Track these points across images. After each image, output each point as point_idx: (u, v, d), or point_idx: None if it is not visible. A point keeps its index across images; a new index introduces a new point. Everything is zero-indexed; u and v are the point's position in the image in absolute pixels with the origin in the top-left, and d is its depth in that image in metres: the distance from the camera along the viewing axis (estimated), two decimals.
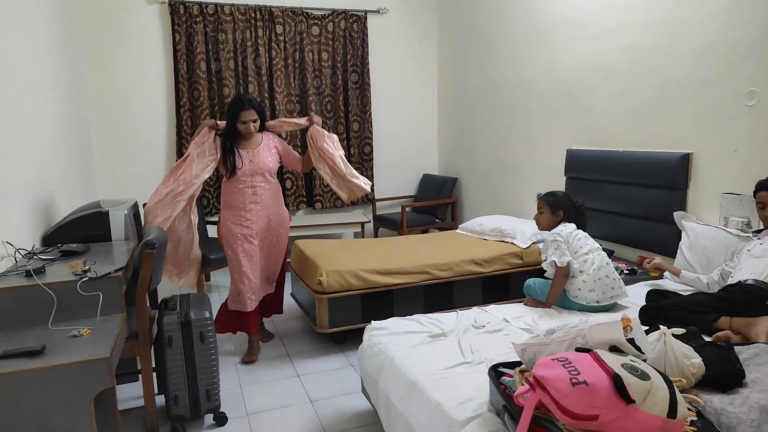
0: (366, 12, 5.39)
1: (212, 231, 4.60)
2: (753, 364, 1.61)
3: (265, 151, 3.07)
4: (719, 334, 2.10)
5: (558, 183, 4.03)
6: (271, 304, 3.38)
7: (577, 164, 3.84)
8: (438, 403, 1.76)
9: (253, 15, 4.96)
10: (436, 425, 1.73)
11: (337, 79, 5.39)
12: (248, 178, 3.01)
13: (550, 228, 2.76)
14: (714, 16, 2.87)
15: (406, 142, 5.82)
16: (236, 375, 2.96)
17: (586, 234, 2.75)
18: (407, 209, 5.17)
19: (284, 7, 5.06)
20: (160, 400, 2.42)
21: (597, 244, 2.73)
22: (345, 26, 5.34)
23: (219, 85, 4.96)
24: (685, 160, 3.04)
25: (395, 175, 5.82)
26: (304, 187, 5.40)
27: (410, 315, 2.61)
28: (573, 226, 2.74)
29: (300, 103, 5.31)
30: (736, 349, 1.70)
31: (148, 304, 2.23)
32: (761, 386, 1.47)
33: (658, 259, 2.86)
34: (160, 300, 2.56)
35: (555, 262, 2.61)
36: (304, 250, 3.59)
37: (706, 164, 2.97)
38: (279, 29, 5.07)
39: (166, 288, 4.29)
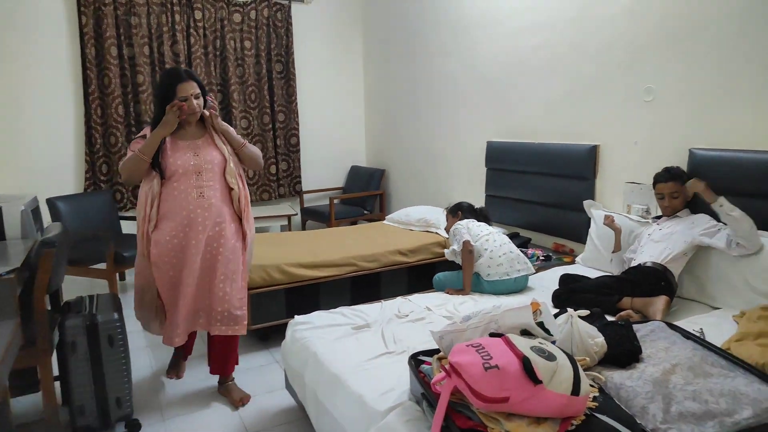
0: (290, 1, 5.27)
1: (126, 227, 4.34)
2: (648, 340, 1.74)
3: (210, 142, 2.40)
4: (622, 313, 2.26)
5: (480, 174, 4.15)
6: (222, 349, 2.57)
7: (497, 156, 3.98)
8: (360, 395, 1.76)
9: (169, 0, 4.71)
10: (358, 417, 1.74)
11: (261, 69, 5.24)
12: (192, 177, 2.32)
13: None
14: (616, 17, 3.05)
15: (334, 133, 5.78)
16: (151, 378, 2.82)
17: (485, 224, 3.03)
18: (335, 201, 5.14)
19: None
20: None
21: (496, 229, 3.02)
22: (268, 14, 5.20)
23: (132, 72, 4.68)
24: (593, 152, 3.23)
25: (323, 167, 5.76)
26: None
27: (336, 308, 2.60)
28: (473, 219, 3.01)
29: (222, 92, 5.12)
30: (635, 327, 1.83)
31: (50, 308, 2.07)
32: (655, 360, 1.60)
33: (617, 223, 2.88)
34: (63, 302, 2.38)
35: (455, 248, 2.87)
36: None
37: (611, 155, 3.17)
38: (198, 15, 4.86)
39: (73, 289, 4.02)
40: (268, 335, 3.26)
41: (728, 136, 2.57)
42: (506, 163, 3.88)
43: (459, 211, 3.12)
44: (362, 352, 2.04)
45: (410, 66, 4.99)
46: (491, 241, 2.85)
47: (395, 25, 5.16)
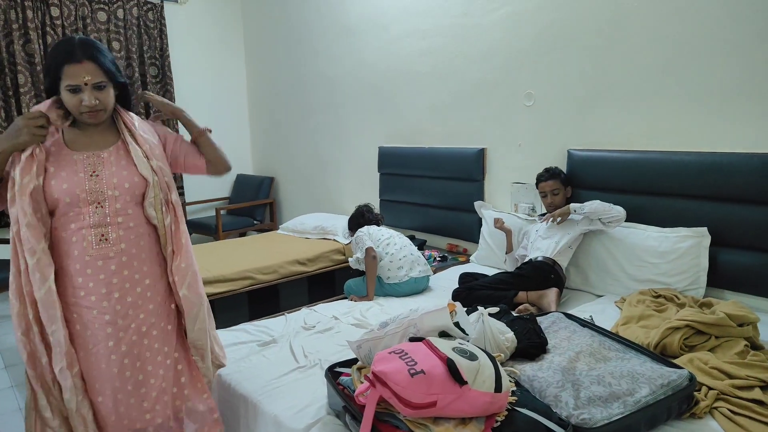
0: (162, 1, 4.91)
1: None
2: (551, 331, 1.84)
3: (123, 154, 1.61)
4: (520, 307, 2.38)
5: (373, 179, 4.18)
6: None
7: (389, 161, 4.03)
8: (274, 415, 1.66)
9: None
10: None
11: (133, 72, 4.81)
12: (87, 209, 1.54)
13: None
14: (495, 25, 3.23)
15: (217, 140, 5.43)
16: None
17: (386, 227, 3.08)
18: (222, 212, 4.86)
19: None
20: None
21: (396, 232, 3.04)
22: (138, 14, 4.79)
23: None
24: (481, 155, 3.39)
25: (207, 177, 5.41)
26: None
27: (235, 325, 2.44)
28: (373, 225, 3.06)
29: None
30: (538, 319, 1.93)
31: None
32: (560, 350, 1.69)
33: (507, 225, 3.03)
34: None
35: (358, 257, 2.87)
36: None
37: (498, 157, 3.36)
38: (55, 12, 4.33)
39: None
40: None
41: (600, 137, 2.83)
42: (398, 168, 3.94)
43: (355, 225, 3.11)
44: (271, 370, 1.93)
45: (295, 69, 4.89)
46: (392, 245, 2.88)
47: (278, 27, 5.02)
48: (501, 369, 1.36)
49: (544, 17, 2.99)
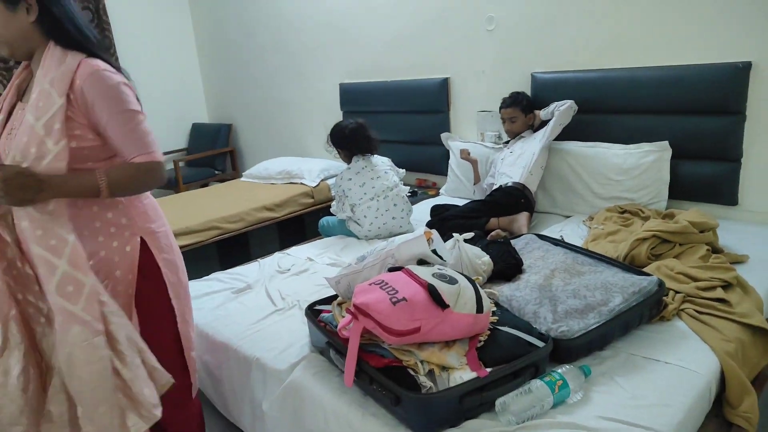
0: None
1: None
2: (525, 252, 1.87)
3: (35, 110, 1.24)
4: (492, 234, 2.40)
5: (335, 118, 4.03)
6: None
7: (351, 97, 3.91)
8: (257, 358, 1.66)
9: None
10: (260, 381, 1.63)
11: None
12: None
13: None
14: None
15: (168, 91, 5.17)
16: None
17: (365, 159, 2.67)
18: (180, 164, 4.69)
19: None
20: None
21: (387, 179, 2.65)
22: None
23: None
24: (444, 85, 3.32)
25: (161, 129, 5.14)
26: None
27: (207, 276, 2.39)
28: (358, 161, 2.67)
29: None
30: (511, 242, 1.95)
31: None
32: (535, 269, 1.72)
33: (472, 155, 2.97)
34: None
35: (338, 206, 2.67)
36: None
37: (462, 87, 3.29)
38: None
39: None
40: None
41: (563, 58, 2.79)
42: (361, 105, 3.83)
43: (340, 148, 2.73)
44: (249, 315, 1.91)
45: (246, 10, 4.60)
46: (372, 209, 2.57)
47: None
48: (481, 291, 1.37)
49: None
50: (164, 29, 5.09)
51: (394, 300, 1.27)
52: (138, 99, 1.37)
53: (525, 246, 1.92)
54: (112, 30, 4.68)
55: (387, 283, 1.33)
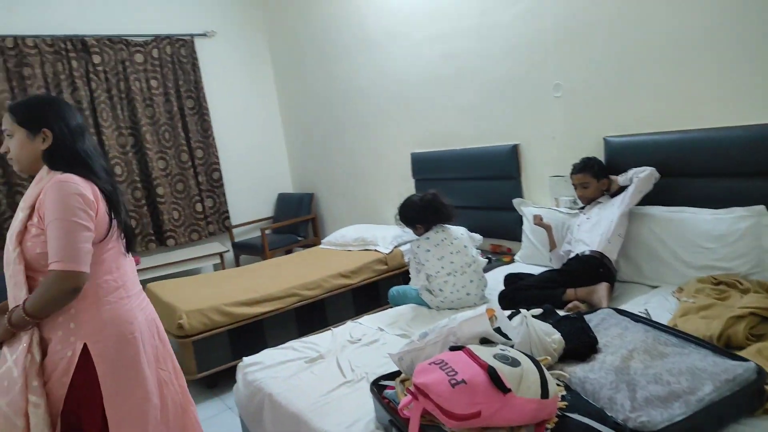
0: (192, 36, 5.09)
1: None
2: (602, 329, 1.76)
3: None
4: (569, 305, 2.30)
5: (408, 186, 4.16)
6: None
7: (422, 166, 4.00)
8: None
9: (62, 46, 4.41)
10: None
11: (171, 107, 5.00)
12: None
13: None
14: (515, 21, 3.16)
15: (256, 163, 5.61)
16: None
17: (446, 236, 2.65)
18: (267, 232, 4.97)
19: (98, 35, 4.57)
20: None
21: (464, 255, 2.62)
22: (172, 51, 4.99)
23: None
24: (515, 151, 3.31)
25: (249, 199, 5.57)
26: (151, 224, 4.91)
27: (285, 343, 2.47)
28: (433, 232, 2.65)
29: (133, 135, 4.83)
30: (586, 318, 1.85)
31: None
32: (612, 349, 1.61)
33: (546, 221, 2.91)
34: None
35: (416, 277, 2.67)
36: (158, 294, 3.25)
37: (532, 152, 3.27)
38: (96, 59, 4.57)
39: None
40: (216, 381, 3.07)
41: (635, 121, 2.71)
42: (433, 172, 3.91)
43: (416, 223, 2.71)
44: (320, 386, 1.94)
45: (323, 86, 4.95)
46: (449, 283, 2.55)
47: (302, 46, 5.10)
48: (547, 373, 1.31)
49: (563, 6, 2.91)
50: (254, 111, 5.59)
51: (453, 382, 1.25)
52: (112, 212, 1.49)
53: (601, 322, 1.81)
54: (210, 114, 5.21)
55: (446, 363, 1.31)
